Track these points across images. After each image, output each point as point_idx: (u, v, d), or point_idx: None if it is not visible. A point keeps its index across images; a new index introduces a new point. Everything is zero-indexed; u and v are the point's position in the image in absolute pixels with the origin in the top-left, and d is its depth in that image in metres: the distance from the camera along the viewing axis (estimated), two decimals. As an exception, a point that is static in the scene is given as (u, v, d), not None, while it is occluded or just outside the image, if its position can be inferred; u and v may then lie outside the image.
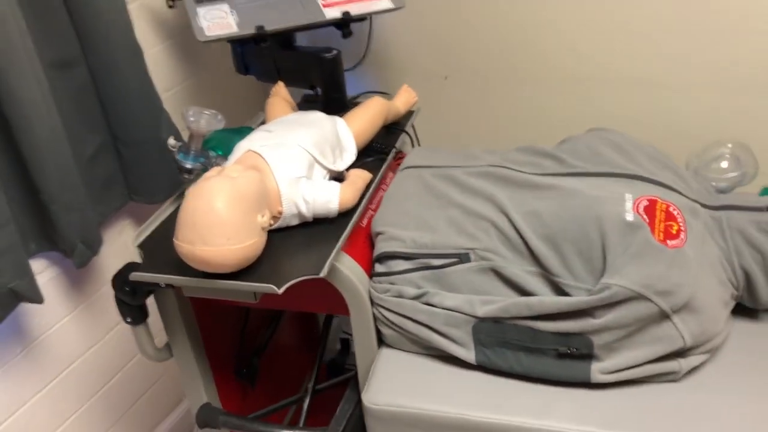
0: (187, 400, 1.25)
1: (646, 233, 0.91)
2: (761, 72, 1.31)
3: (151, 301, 1.12)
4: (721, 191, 1.10)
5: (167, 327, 1.13)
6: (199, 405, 1.15)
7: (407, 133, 1.28)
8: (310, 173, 1.04)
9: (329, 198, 1.02)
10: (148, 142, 1.36)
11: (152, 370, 1.65)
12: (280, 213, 1.01)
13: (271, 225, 1.01)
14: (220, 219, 0.89)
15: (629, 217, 0.93)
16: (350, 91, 1.39)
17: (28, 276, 1.16)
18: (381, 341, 1.08)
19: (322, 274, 0.94)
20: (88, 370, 1.49)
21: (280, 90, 1.34)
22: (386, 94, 1.33)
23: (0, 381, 1.30)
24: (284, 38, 1.41)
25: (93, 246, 1.29)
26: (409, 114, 1.34)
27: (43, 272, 1.35)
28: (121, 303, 1.07)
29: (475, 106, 1.62)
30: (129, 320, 1.09)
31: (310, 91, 1.42)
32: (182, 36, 1.59)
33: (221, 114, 1.07)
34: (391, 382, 1.02)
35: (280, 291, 0.92)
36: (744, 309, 1.04)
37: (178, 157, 1.04)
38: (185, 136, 1.16)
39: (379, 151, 1.20)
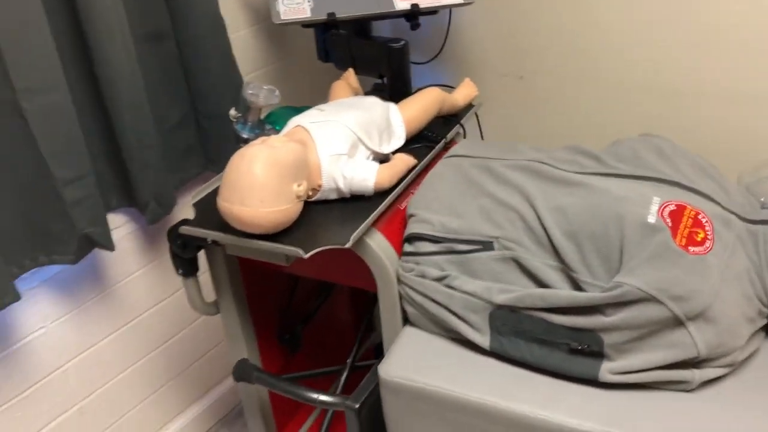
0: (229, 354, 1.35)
1: (665, 236, 0.90)
2: None
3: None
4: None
5: (215, 283, 1.22)
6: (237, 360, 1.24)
7: (461, 125, 1.31)
8: (353, 152, 1.10)
9: (366, 176, 1.07)
10: (226, 117, 1.47)
11: (213, 333, 1.77)
12: (320, 186, 1.08)
13: (309, 196, 1.08)
14: (256, 182, 0.96)
15: (651, 219, 0.92)
16: (424, 83, 1.43)
17: (103, 225, 1.29)
18: (406, 320, 1.12)
19: (347, 245, 1.00)
20: (154, 323, 1.62)
21: (349, 76, 1.41)
22: (450, 87, 1.37)
23: (75, 320, 1.45)
24: (360, 27, 1.48)
25: (165, 205, 1.41)
26: (468, 107, 1.37)
27: (122, 227, 1.49)
28: (174, 255, 1.17)
29: (547, 107, 1.62)
30: (180, 272, 1.19)
31: (379, 80, 1.48)
32: (270, 22, 1.69)
33: (278, 91, 1.15)
34: (407, 357, 1.06)
35: (306, 256, 0.99)
36: (778, 330, 1.00)
37: (237, 127, 1.13)
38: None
39: (428, 139, 1.24)
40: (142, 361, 1.61)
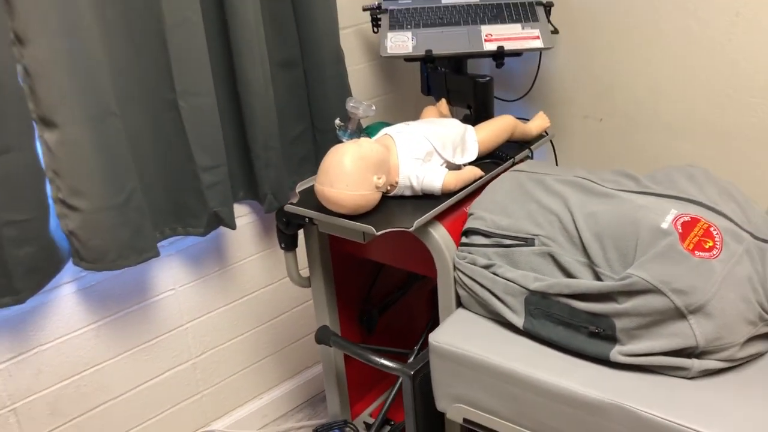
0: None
1: (673, 240, 1.06)
2: None
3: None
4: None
5: (309, 259, 1.49)
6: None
7: (531, 149, 1.52)
8: (428, 158, 1.34)
9: (434, 178, 1.31)
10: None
11: (311, 321, 2.03)
12: (397, 183, 1.32)
13: (388, 191, 1.33)
14: (344, 170, 1.23)
15: (664, 225, 1.09)
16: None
17: (229, 206, 1.60)
18: (459, 303, 1.33)
19: (411, 229, 1.23)
20: (262, 302, 1.91)
21: (441, 105, 1.66)
22: (525, 119, 1.58)
23: (199, 287, 1.76)
24: (456, 65, 1.73)
25: (280, 199, 1.71)
26: (540, 136, 1.57)
27: (246, 215, 1.80)
28: (279, 231, 1.46)
29: (621, 148, 1.78)
30: (283, 246, 1.47)
31: (468, 111, 1.71)
32: (385, 59, 1.99)
33: (374, 107, 1.42)
34: (455, 330, 1.26)
35: (377, 233, 1.23)
36: (788, 341, 1.11)
37: (339, 133, 1.41)
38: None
39: (498, 157, 1.46)
40: (249, 333, 1.90)
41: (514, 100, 1.90)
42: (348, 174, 1.23)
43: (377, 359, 1.38)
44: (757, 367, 1.09)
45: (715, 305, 1.04)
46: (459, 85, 1.70)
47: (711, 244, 1.08)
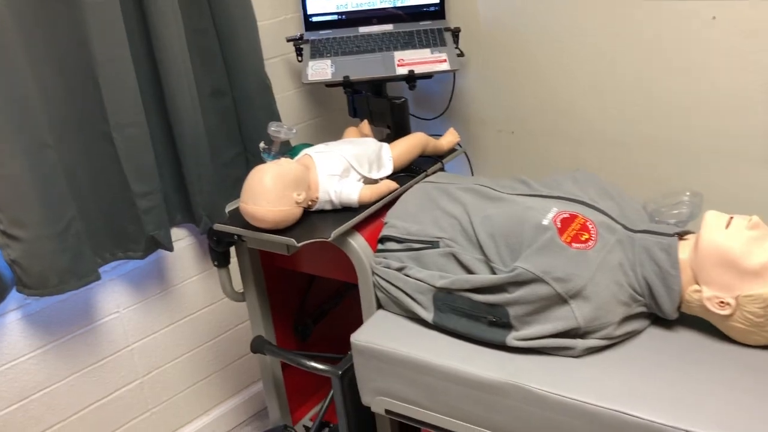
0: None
1: (553, 234, 1.21)
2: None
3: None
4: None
5: (242, 274, 1.60)
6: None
7: (442, 163, 1.66)
8: (345, 174, 1.47)
9: (351, 192, 1.43)
10: (268, 156, 1.88)
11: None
12: (317, 198, 1.44)
13: (309, 206, 1.45)
14: (264, 188, 1.35)
15: (545, 222, 1.23)
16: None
17: (166, 229, 1.70)
18: (379, 305, 1.45)
19: (330, 239, 1.36)
20: (205, 321, 2.00)
21: (363, 125, 1.80)
22: (436, 135, 1.73)
23: (142, 309, 1.85)
24: (376, 88, 1.87)
25: (215, 220, 1.81)
26: (452, 150, 1.72)
27: (185, 239, 1.90)
28: (211, 249, 1.56)
29: (531, 158, 1.94)
30: (216, 263, 1.58)
31: (388, 130, 1.85)
32: (312, 86, 2.12)
33: (295, 129, 1.54)
34: (374, 329, 1.38)
35: (298, 245, 1.35)
36: (661, 320, 1.26)
37: (263, 155, 1.52)
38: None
39: (412, 171, 1.60)
40: (194, 352, 1.99)
41: (433, 119, 2.05)
42: (268, 191, 1.35)
43: (308, 362, 1.49)
44: (633, 344, 1.23)
45: (591, 289, 1.18)
46: (379, 106, 1.85)
47: (587, 236, 1.22)
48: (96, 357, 1.77)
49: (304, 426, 1.75)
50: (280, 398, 1.72)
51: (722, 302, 1.15)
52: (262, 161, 1.62)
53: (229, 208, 1.55)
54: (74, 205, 1.54)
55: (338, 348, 1.85)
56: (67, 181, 1.52)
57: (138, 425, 1.89)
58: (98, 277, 1.60)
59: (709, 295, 1.16)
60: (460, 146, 1.78)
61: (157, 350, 1.90)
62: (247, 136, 1.88)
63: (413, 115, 2.12)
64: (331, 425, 1.70)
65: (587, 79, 1.74)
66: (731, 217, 1.18)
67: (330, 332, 1.83)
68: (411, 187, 1.53)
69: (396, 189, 1.52)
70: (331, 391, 1.67)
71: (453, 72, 1.75)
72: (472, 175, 1.92)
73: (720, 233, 1.15)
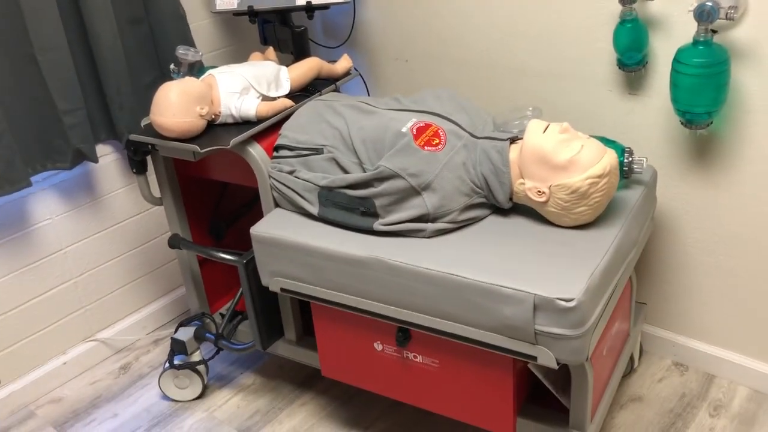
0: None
1: (409, 139, 1.48)
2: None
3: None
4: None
5: (158, 180, 1.84)
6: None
7: (336, 85, 1.90)
8: (245, 92, 1.70)
9: (249, 107, 1.67)
10: (185, 79, 2.09)
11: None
12: (220, 113, 1.68)
13: (213, 119, 1.68)
14: (170, 101, 1.58)
15: (403, 129, 1.50)
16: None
17: (90, 143, 1.91)
18: (276, 204, 1.71)
19: (229, 146, 1.60)
20: (133, 229, 2.23)
21: (268, 51, 2.01)
22: (332, 61, 1.96)
23: (74, 217, 2.07)
24: (282, 18, 2.08)
25: (136, 137, 2.02)
26: (346, 74, 1.96)
27: (110, 154, 2.11)
28: (130, 159, 1.79)
29: (423, 82, 2.19)
30: (134, 171, 1.81)
31: (292, 56, 2.07)
32: (226, 15, 2.31)
33: (202, 51, 1.76)
34: (271, 223, 1.64)
35: (202, 151, 1.59)
36: (501, 210, 1.56)
37: (173, 75, 1.74)
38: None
39: (307, 91, 1.84)
40: (123, 256, 2.22)
41: (336, 47, 2.28)
42: (174, 104, 1.58)
43: (216, 253, 1.76)
44: (474, 227, 1.53)
45: (438, 183, 1.47)
46: (283, 34, 2.07)
47: (437, 141, 1.50)
48: (32, 258, 1.99)
49: (220, 314, 2.03)
50: (198, 291, 1.99)
51: (540, 191, 1.45)
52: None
53: (144, 122, 1.77)
54: (5, 121, 1.73)
55: (248, 248, 2.11)
56: (-3, 98, 1.72)
57: (73, 320, 2.14)
58: (29, 184, 1.81)
59: (530, 186, 1.46)
60: (356, 70, 2.02)
61: (88, 254, 2.13)
62: (164, 61, 2.08)
63: (320, 44, 2.34)
64: (244, 313, 1.98)
65: (467, 11, 1.99)
66: (548, 124, 1.46)
67: (242, 236, 2.08)
68: (304, 104, 1.77)
69: (291, 106, 1.77)
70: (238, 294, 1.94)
71: (346, 4, 1.98)
72: (368, 95, 2.17)
73: (538, 136, 1.44)
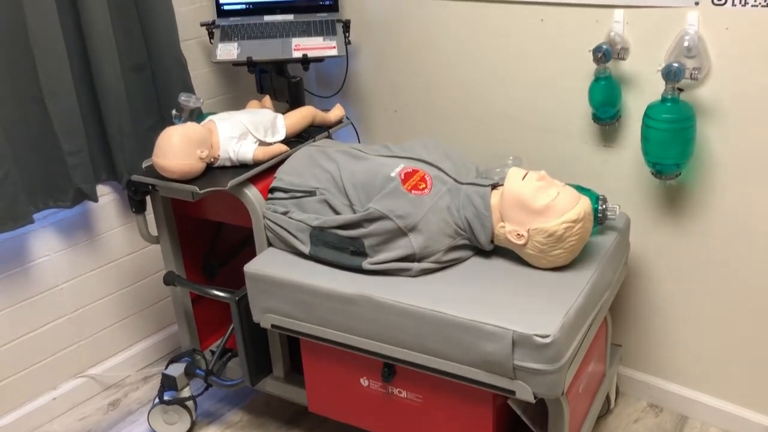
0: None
1: (397, 183, 1.58)
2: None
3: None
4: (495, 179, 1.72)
5: (156, 219, 1.91)
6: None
7: (329, 132, 2.01)
8: (243, 137, 1.80)
9: (247, 151, 1.77)
10: (184, 124, 2.19)
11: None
12: (218, 156, 1.77)
13: (212, 163, 1.77)
14: (172, 144, 1.67)
15: (392, 174, 1.60)
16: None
17: (91, 183, 2.00)
18: (270, 244, 1.79)
19: (227, 188, 1.69)
20: (129, 266, 2.30)
21: (265, 99, 2.13)
22: (325, 110, 2.07)
23: (72, 254, 2.14)
24: (279, 69, 2.20)
25: (135, 178, 2.11)
26: (339, 122, 2.07)
27: (109, 194, 2.20)
28: (129, 198, 1.87)
29: (411, 132, 2.31)
30: (134, 210, 1.89)
31: (287, 104, 2.19)
32: (226, 65, 2.43)
33: (202, 99, 1.86)
34: (263, 261, 1.72)
35: (201, 192, 1.68)
36: (483, 252, 1.65)
37: (174, 120, 1.84)
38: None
39: (302, 137, 1.94)
40: (118, 293, 2.28)
41: (329, 96, 2.40)
42: (176, 147, 1.68)
43: (210, 290, 1.83)
44: (458, 268, 1.62)
45: (424, 225, 1.56)
46: (280, 84, 2.18)
47: (424, 186, 1.60)
48: (28, 294, 2.05)
49: (210, 351, 2.08)
50: (190, 327, 2.05)
51: (519, 234, 1.55)
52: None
53: (145, 164, 1.86)
54: (11, 159, 1.82)
55: (239, 287, 2.18)
56: (5, 138, 1.80)
57: (65, 356, 2.18)
58: (32, 221, 1.89)
59: (510, 229, 1.56)
60: (348, 119, 2.13)
61: (84, 290, 2.19)
62: (165, 106, 2.18)
63: (314, 94, 2.46)
64: (234, 350, 2.03)
65: (453, 67, 2.12)
66: (527, 172, 1.57)
67: (234, 275, 2.16)
68: (299, 149, 1.87)
69: (286, 151, 1.86)
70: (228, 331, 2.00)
71: (339, 57, 2.10)
72: (359, 141, 2.28)
73: (517, 183, 1.55)
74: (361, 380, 1.68)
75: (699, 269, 1.85)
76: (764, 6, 1.55)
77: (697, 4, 1.63)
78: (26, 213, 1.86)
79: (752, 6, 1.56)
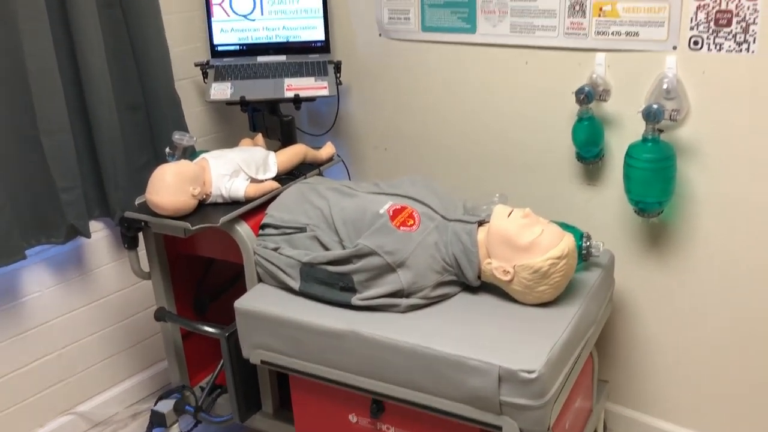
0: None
1: (386, 220, 1.61)
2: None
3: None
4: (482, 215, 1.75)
5: (148, 255, 1.94)
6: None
7: (320, 169, 2.05)
8: (235, 175, 1.83)
9: (238, 188, 1.80)
10: (177, 162, 2.23)
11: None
12: (211, 193, 1.81)
13: (204, 199, 1.80)
14: (165, 181, 1.70)
15: (381, 210, 1.64)
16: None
17: (84, 220, 2.02)
18: (260, 279, 1.82)
19: (218, 224, 1.72)
20: (119, 303, 2.31)
21: (257, 137, 2.17)
22: (316, 147, 2.11)
23: (63, 290, 2.15)
24: (271, 108, 2.25)
25: (128, 215, 2.14)
26: (329, 159, 2.11)
27: (102, 230, 2.22)
28: (122, 234, 1.90)
29: (400, 169, 2.35)
30: (126, 246, 1.91)
31: (279, 142, 2.23)
32: (217, 104, 2.48)
33: (195, 137, 1.90)
34: (254, 297, 1.74)
35: (193, 228, 1.70)
36: (470, 288, 1.68)
37: (168, 158, 1.88)
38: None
39: (293, 175, 1.98)
40: (108, 329, 2.29)
41: (321, 135, 2.44)
42: (169, 185, 1.71)
43: (199, 326, 1.84)
44: (446, 304, 1.64)
45: (412, 261, 1.59)
46: (272, 123, 2.23)
47: (412, 222, 1.63)
48: (18, 330, 2.06)
49: (200, 387, 2.08)
50: (180, 363, 2.05)
51: (505, 270, 1.58)
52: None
53: (138, 201, 1.89)
54: (5, 195, 1.84)
55: (229, 323, 2.19)
56: (0, 175, 1.83)
57: (54, 392, 2.17)
58: (24, 257, 1.90)
59: (496, 266, 1.59)
60: (339, 157, 2.18)
61: (74, 327, 2.19)
62: (158, 144, 2.22)
63: (306, 132, 2.51)
64: (223, 387, 2.04)
65: (441, 107, 2.17)
66: (512, 210, 1.61)
67: (224, 311, 2.17)
68: (290, 186, 1.91)
69: (277, 188, 1.90)
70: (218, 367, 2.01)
71: (330, 97, 2.15)
72: (349, 178, 2.32)
73: (503, 220, 1.58)
74: (350, 416, 1.69)
75: (683, 304, 1.88)
76: (738, 51, 1.61)
77: (675, 48, 1.69)
78: (19, 249, 1.88)
79: (727, 51, 1.63)
